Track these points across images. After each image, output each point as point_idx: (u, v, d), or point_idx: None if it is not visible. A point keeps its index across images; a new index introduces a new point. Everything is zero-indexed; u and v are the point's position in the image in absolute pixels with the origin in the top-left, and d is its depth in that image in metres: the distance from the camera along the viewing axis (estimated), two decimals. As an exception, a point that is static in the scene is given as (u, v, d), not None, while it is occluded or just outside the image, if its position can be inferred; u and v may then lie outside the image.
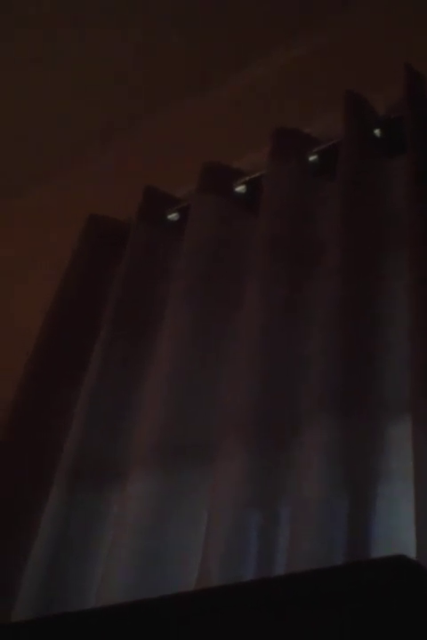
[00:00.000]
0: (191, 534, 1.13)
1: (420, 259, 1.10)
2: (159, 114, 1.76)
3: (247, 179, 1.44)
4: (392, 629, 0.59)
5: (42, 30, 1.70)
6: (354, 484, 1.01)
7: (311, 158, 1.37)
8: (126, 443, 1.27)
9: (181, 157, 1.64)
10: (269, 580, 0.85)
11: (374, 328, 1.14)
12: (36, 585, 1.21)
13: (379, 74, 1.42)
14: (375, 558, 0.90)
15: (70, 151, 1.86)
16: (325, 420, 1.05)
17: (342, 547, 0.97)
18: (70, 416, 1.35)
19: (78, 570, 1.22)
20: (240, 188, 1.44)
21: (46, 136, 1.87)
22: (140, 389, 1.32)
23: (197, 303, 1.33)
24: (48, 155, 1.89)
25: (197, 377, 1.26)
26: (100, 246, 1.58)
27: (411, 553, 0.92)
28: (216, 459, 1.13)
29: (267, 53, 1.65)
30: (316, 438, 1.04)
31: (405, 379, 1.04)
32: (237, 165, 1.48)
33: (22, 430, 1.38)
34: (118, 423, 1.32)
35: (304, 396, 1.11)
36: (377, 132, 1.32)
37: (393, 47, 1.44)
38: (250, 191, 1.44)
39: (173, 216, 1.53)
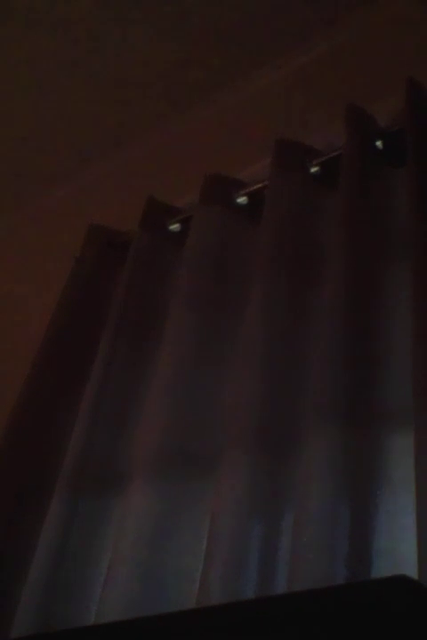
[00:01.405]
0: (193, 545, 1.13)
1: (422, 270, 1.11)
2: (160, 125, 1.77)
3: (249, 190, 1.44)
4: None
5: (43, 38, 1.71)
6: (356, 494, 1.01)
7: (313, 170, 1.37)
8: (129, 450, 1.27)
9: (182, 168, 1.64)
10: (269, 599, 0.84)
11: (377, 338, 1.14)
12: (36, 595, 1.20)
13: (381, 84, 1.42)
14: (377, 578, 0.90)
15: (71, 162, 1.87)
16: (327, 430, 1.05)
17: (343, 558, 0.96)
18: (72, 423, 1.35)
19: (79, 580, 1.22)
20: (242, 200, 1.44)
21: (47, 146, 1.88)
22: (143, 397, 1.32)
23: (199, 313, 1.33)
24: (49, 165, 1.89)
25: (199, 387, 1.27)
26: (102, 255, 1.59)
27: (412, 563, 0.92)
28: (218, 469, 1.13)
29: (268, 64, 1.65)
30: (318, 448, 1.04)
31: (407, 389, 1.04)
32: (238, 176, 1.48)
33: (24, 437, 1.38)
34: (121, 431, 1.33)
35: (307, 406, 1.11)
36: (379, 143, 1.32)
37: (395, 57, 1.44)
38: (252, 202, 1.44)
39: (174, 226, 1.53)
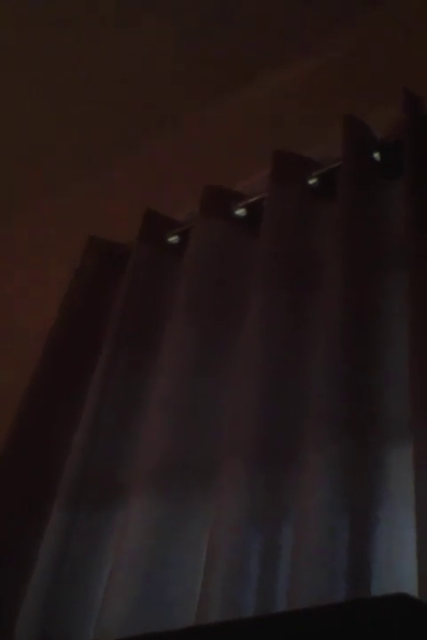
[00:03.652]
0: (192, 558, 1.13)
1: (418, 280, 1.11)
2: (159, 136, 1.77)
3: (248, 202, 1.45)
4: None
5: (43, 46, 1.71)
6: (355, 507, 1.01)
7: (311, 181, 1.38)
8: (129, 462, 1.27)
9: (180, 179, 1.65)
10: (269, 617, 0.84)
11: (375, 350, 1.14)
12: (37, 604, 1.21)
13: (379, 94, 1.42)
14: (376, 596, 0.90)
15: (69, 172, 1.87)
16: (326, 444, 1.05)
17: (342, 571, 0.97)
18: (73, 434, 1.36)
19: (79, 592, 1.22)
20: (240, 211, 1.45)
21: (45, 157, 1.88)
22: (142, 409, 1.32)
23: (198, 323, 1.33)
24: (48, 175, 1.90)
25: (198, 397, 1.27)
26: (101, 266, 1.59)
27: (412, 577, 0.92)
28: (217, 482, 1.13)
29: (266, 75, 1.65)
30: (317, 462, 1.05)
31: (405, 402, 1.04)
32: (236, 188, 1.48)
33: (24, 449, 1.39)
34: (121, 442, 1.33)
35: (305, 419, 1.11)
36: (376, 155, 1.33)
37: (393, 67, 1.44)
38: (250, 214, 1.44)
39: (173, 239, 1.53)
